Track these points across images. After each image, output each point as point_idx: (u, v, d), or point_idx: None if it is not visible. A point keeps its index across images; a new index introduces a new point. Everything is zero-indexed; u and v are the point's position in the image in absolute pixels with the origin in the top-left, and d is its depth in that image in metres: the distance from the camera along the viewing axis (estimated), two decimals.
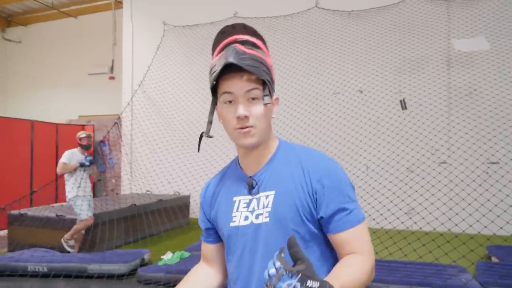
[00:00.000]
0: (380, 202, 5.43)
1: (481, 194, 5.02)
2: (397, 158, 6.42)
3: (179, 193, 7.74)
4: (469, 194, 5.09)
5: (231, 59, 0.98)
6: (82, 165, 5.21)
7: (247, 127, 1.02)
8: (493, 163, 5.90)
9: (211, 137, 1.11)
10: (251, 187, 1.09)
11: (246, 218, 1.07)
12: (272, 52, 7.76)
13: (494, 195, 5.00)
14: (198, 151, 1.24)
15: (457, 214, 4.77)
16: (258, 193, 1.08)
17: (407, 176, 6.11)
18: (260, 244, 1.05)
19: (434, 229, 4.67)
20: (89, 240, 5.40)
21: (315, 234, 1.05)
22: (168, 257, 4.66)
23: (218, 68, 1.00)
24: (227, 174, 1.20)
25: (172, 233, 6.67)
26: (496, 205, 4.74)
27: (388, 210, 5.26)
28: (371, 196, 5.69)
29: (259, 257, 1.05)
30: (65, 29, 11.91)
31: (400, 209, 5.31)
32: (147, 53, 8.79)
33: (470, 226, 4.45)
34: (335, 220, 1.02)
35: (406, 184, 5.85)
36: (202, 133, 1.16)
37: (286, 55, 7.60)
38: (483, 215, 4.66)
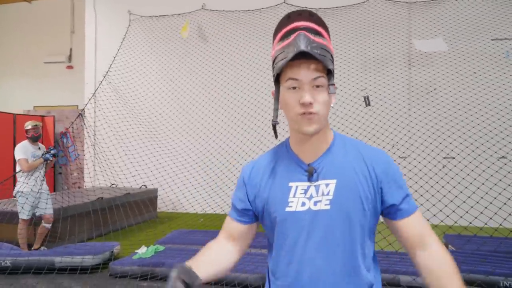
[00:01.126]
0: None
1: (443, 186, 5.35)
2: None
3: (146, 187, 7.60)
4: (432, 186, 5.42)
5: (303, 47, 0.99)
6: (46, 159, 4.97)
7: (311, 113, 1.04)
8: (450, 157, 6.27)
9: (277, 123, 1.12)
10: (311, 174, 1.10)
11: (303, 204, 1.09)
12: (240, 46, 7.77)
13: (454, 187, 5.34)
14: (276, 137, 1.20)
15: (422, 205, 5.05)
16: (317, 180, 1.10)
17: None
18: (318, 231, 1.07)
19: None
20: (57, 235, 5.21)
21: (372, 227, 1.12)
22: (142, 251, 4.58)
23: (289, 56, 1.01)
24: (277, 157, 1.18)
25: (141, 227, 6.56)
26: (456, 196, 5.10)
27: None
28: None
29: (316, 242, 1.07)
30: (19, 14, 11.30)
31: None
32: (111, 43, 8.50)
33: (434, 215, 4.76)
34: (404, 206, 1.10)
35: None
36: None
37: (254, 50, 7.65)
38: (445, 205, 4.99)
